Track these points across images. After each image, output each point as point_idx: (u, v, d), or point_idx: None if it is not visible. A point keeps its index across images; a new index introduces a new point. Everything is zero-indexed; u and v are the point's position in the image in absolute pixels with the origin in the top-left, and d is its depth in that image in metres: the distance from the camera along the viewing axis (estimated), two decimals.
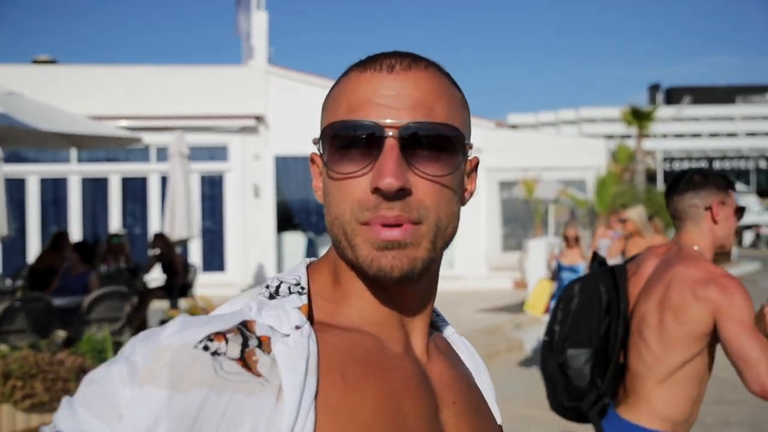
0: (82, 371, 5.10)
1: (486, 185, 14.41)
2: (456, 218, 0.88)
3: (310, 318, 0.82)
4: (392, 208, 0.79)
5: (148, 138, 12.26)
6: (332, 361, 0.79)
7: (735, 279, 2.42)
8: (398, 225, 0.80)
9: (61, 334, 6.35)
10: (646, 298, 2.58)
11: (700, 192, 2.55)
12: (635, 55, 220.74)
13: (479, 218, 14.55)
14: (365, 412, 0.79)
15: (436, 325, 1.05)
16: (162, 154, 13.39)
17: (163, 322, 6.62)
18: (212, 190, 14.14)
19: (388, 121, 0.80)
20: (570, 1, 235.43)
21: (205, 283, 12.58)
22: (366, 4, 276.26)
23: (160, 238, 9.86)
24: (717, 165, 74.06)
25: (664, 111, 59.06)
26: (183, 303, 7.46)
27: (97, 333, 5.89)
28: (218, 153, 14.05)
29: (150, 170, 13.96)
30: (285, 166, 14.27)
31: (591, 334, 2.65)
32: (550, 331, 2.78)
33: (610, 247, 8.44)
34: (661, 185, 33.16)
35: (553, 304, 4.82)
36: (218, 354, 0.72)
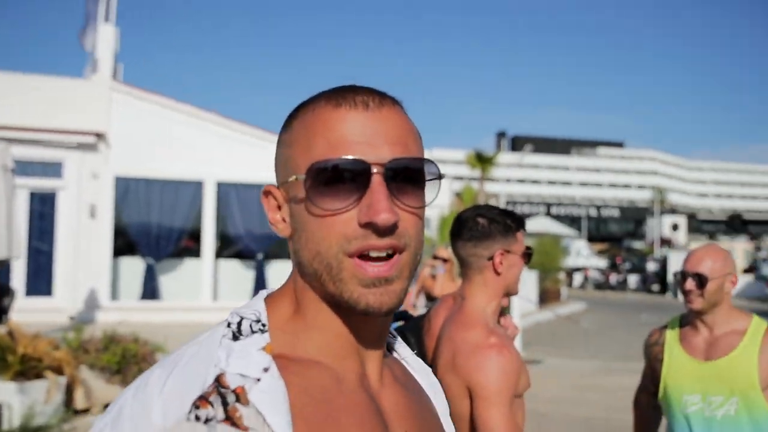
0: None
1: None
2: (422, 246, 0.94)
3: (272, 354, 0.87)
4: (383, 238, 0.85)
5: None
6: (295, 404, 0.83)
7: (504, 346, 2.17)
8: (387, 258, 0.86)
9: None
10: (434, 363, 2.30)
11: (483, 241, 2.33)
12: (486, 102, 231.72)
13: None
14: None
15: (392, 347, 1.11)
16: None
17: None
18: (42, 208, 13.40)
19: (373, 158, 0.85)
20: (426, 50, 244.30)
21: (28, 309, 11.84)
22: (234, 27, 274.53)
23: None
24: (554, 210, 79.15)
25: (508, 157, 62.25)
26: None
27: None
28: (51, 169, 13.37)
29: None
30: (126, 187, 13.80)
31: None
32: None
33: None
34: None
35: None
36: (209, 420, 0.78)
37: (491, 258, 2.30)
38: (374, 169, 0.84)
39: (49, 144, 13.14)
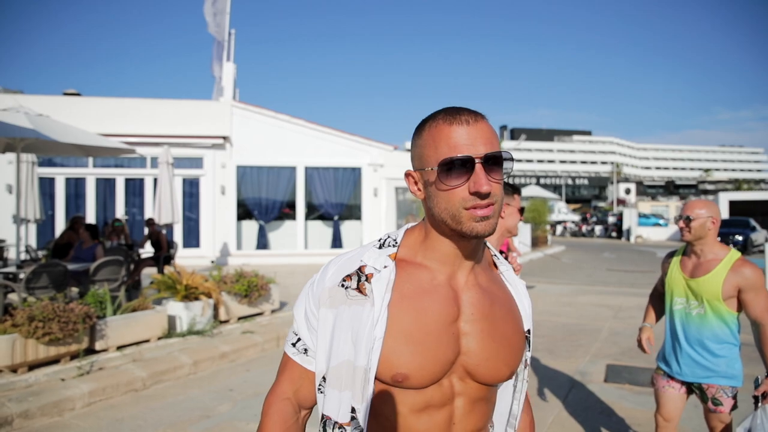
0: (87, 316, 4.97)
1: (386, 189, 14.55)
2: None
3: (396, 259, 1.09)
4: (484, 199, 1.00)
5: (144, 150, 11.90)
6: (398, 286, 1.05)
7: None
8: (489, 206, 1.00)
9: (74, 290, 6.12)
10: None
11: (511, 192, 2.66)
12: (492, 104, 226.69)
13: (381, 212, 14.66)
14: (410, 312, 1.03)
15: (496, 264, 1.22)
16: (154, 162, 13.02)
17: (152, 283, 6.51)
18: (191, 189, 13.77)
19: (474, 153, 0.99)
20: (444, 61, 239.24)
21: (185, 256, 12.32)
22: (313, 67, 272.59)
23: (150, 222, 9.58)
24: (542, 181, 77.10)
25: (509, 144, 60.97)
26: (166, 269, 7.27)
27: (99, 290, 5.72)
28: (196, 162, 13.69)
29: (146, 174, 13.49)
30: (244, 173, 13.97)
31: None
32: None
33: None
34: None
35: None
36: (348, 288, 1.06)
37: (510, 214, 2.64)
38: (477, 160, 0.99)
39: (194, 145, 13.43)
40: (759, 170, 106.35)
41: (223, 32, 14.11)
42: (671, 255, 3.04)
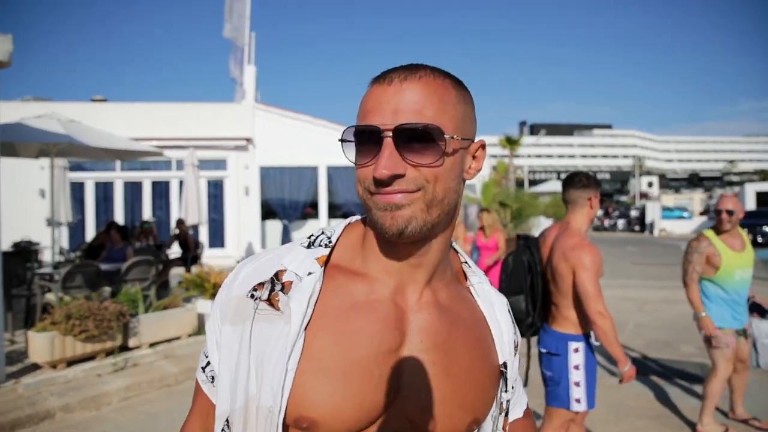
0: (121, 314, 5.10)
1: None
2: (453, 192, 0.78)
3: (327, 263, 0.82)
4: (390, 186, 0.73)
5: (170, 153, 12.08)
6: (325, 299, 0.78)
7: (592, 246, 2.64)
8: (401, 192, 0.74)
9: (107, 289, 6.27)
10: (551, 259, 2.74)
11: (586, 189, 2.75)
12: (511, 99, 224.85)
13: None
14: (330, 334, 0.77)
15: (466, 274, 0.93)
16: (180, 164, 13.18)
17: (180, 282, 6.63)
18: (215, 191, 13.95)
19: (382, 124, 0.73)
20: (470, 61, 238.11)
21: (210, 256, 12.48)
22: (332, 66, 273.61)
23: (180, 222, 9.75)
24: (562, 176, 76.09)
25: (528, 139, 60.42)
26: (194, 269, 7.41)
27: (131, 288, 5.86)
28: (220, 164, 13.86)
29: (172, 176, 13.71)
30: (267, 174, 14.09)
31: (522, 286, 2.78)
32: (499, 287, 2.85)
33: None
34: (528, 189, 34.00)
35: None
36: (257, 299, 0.79)
37: (589, 199, 2.73)
38: (385, 133, 0.73)
39: (218, 147, 13.56)
40: None
41: (243, 36, 14.25)
42: (700, 240, 3.69)
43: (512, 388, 0.91)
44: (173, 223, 12.85)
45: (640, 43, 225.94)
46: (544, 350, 2.77)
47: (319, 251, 0.82)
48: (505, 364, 0.89)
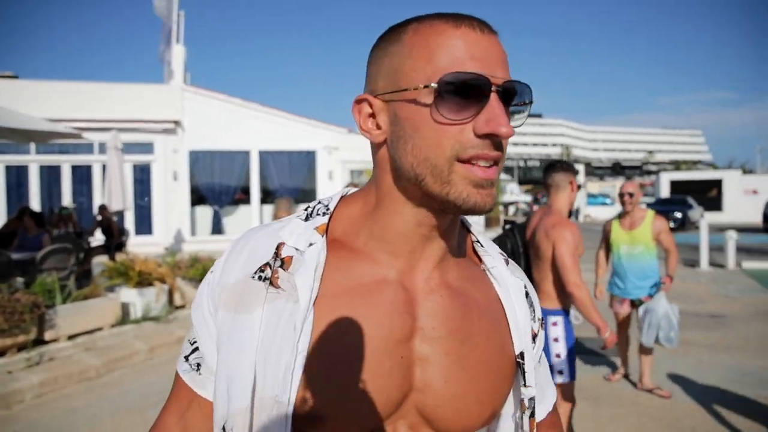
0: (35, 306, 4.80)
1: (341, 172, 14.49)
2: None
3: (327, 234, 0.73)
4: (496, 150, 0.65)
5: (91, 136, 11.44)
6: (328, 278, 0.69)
7: (572, 224, 2.86)
8: (493, 165, 0.66)
9: (19, 279, 5.89)
10: (533, 239, 2.94)
11: (567, 172, 2.94)
12: None
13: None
14: (338, 320, 0.68)
15: (479, 255, 0.82)
16: (102, 148, 12.52)
17: (103, 272, 6.33)
18: (142, 176, 13.38)
19: (492, 77, 0.64)
20: None
21: (137, 243, 11.93)
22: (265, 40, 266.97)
23: (103, 208, 9.29)
24: None
25: None
26: (118, 257, 7.09)
27: (47, 278, 5.53)
28: (146, 148, 13.28)
29: (94, 160, 13.03)
30: (197, 158, 13.67)
31: None
32: None
33: None
34: None
35: None
36: (266, 279, 0.68)
37: (570, 182, 2.93)
38: (493, 87, 0.64)
39: (144, 130, 12.99)
40: (697, 152, 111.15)
41: (171, 14, 13.65)
42: (608, 221, 4.49)
43: (534, 383, 0.79)
44: (96, 209, 12.23)
45: (567, 35, 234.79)
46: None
47: (318, 220, 0.73)
48: (522, 355, 0.77)
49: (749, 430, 3.67)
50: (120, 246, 9.10)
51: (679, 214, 21.51)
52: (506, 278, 0.81)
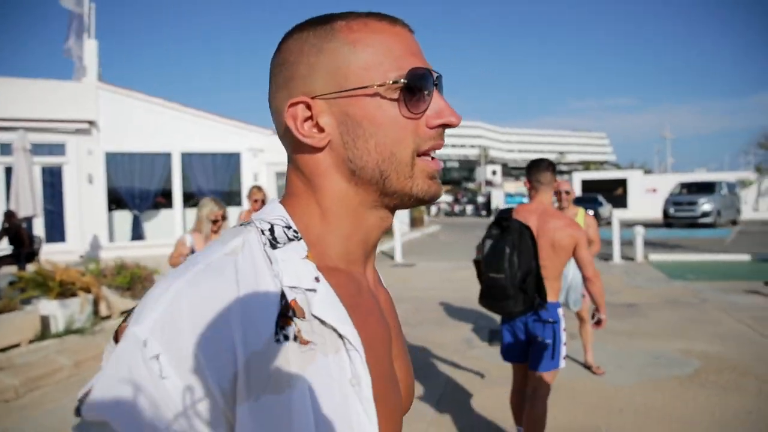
0: None
1: (266, 174, 14.22)
2: None
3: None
4: (443, 140, 0.67)
5: None
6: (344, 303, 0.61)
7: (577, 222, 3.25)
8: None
9: None
10: (546, 236, 2.96)
11: (554, 172, 3.04)
12: None
13: None
14: (370, 345, 0.61)
15: None
16: (6, 149, 11.53)
17: (11, 283, 5.87)
18: (52, 179, 12.46)
19: (432, 70, 0.66)
20: None
21: (49, 252, 11.09)
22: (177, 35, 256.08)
23: (10, 215, 8.58)
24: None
25: None
26: (30, 267, 6.61)
27: None
28: (56, 149, 12.39)
29: None
30: (113, 160, 12.94)
31: (530, 266, 2.86)
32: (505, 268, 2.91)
33: None
34: None
35: None
36: (295, 338, 0.55)
37: (555, 180, 3.07)
38: (437, 79, 0.66)
39: (55, 130, 12.12)
40: (603, 153, 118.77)
41: (81, 5, 12.84)
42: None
43: None
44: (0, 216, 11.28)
45: (482, 39, 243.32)
46: (550, 319, 2.99)
47: (297, 247, 0.61)
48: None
49: (670, 408, 4.01)
50: (31, 255, 8.47)
51: (591, 212, 22.78)
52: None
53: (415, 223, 22.98)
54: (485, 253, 2.97)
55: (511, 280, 2.81)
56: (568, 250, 2.97)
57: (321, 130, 0.64)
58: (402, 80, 0.62)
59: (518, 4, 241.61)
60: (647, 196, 29.87)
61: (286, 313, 0.55)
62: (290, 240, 0.61)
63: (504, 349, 3.18)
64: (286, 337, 0.54)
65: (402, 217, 19.46)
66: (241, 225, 0.64)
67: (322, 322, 0.57)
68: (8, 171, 11.04)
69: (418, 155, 0.65)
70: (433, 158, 0.67)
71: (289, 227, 0.63)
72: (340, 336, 0.57)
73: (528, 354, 3.06)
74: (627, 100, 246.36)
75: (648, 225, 18.28)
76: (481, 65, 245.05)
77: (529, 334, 3.03)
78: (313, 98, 0.63)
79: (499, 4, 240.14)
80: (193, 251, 4.21)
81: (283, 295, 0.56)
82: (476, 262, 3.14)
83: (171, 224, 13.57)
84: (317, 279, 0.59)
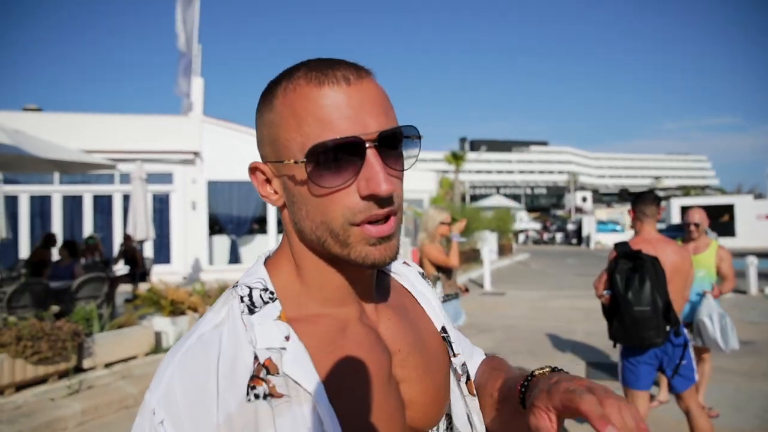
0: (75, 334, 4.87)
1: None
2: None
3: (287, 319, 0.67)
4: (384, 206, 0.64)
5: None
6: (313, 359, 0.64)
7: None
8: (386, 219, 0.65)
9: (54, 308, 5.96)
10: (671, 272, 3.04)
11: (657, 203, 3.14)
12: (450, 116, 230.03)
13: None
14: (347, 392, 0.65)
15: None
16: (123, 178, 12.69)
17: (128, 300, 6.39)
18: (161, 205, 13.54)
19: (364, 133, 0.62)
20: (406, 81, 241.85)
21: (156, 273, 12.03)
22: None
23: (127, 238, 9.40)
24: (501, 191, 78.53)
25: (470, 155, 62.04)
26: (141, 286, 7.16)
27: (86, 306, 5.61)
28: (165, 178, 13.48)
29: (114, 190, 13.21)
30: (214, 188, 13.83)
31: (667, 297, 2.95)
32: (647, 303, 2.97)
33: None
34: (469, 203, 34.69)
35: None
36: (266, 397, 0.61)
37: (659, 212, 3.15)
38: (367, 144, 0.62)
39: (164, 161, 13.21)
40: (704, 177, 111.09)
41: (191, 47, 13.99)
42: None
43: (460, 351, 0.83)
44: (116, 239, 12.34)
45: (572, 64, 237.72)
46: (683, 342, 3.09)
47: (271, 309, 0.66)
48: (444, 329, 0.83)
49: None
50: (143, 275, 9.19)
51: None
52: (400, 268, 0.87)
53: (503, 250, 22.57)
54: (623, 288, 2.95)
55: (654, 312, 2.89)
56: (686, 275, 3.08)
57: (276, 192, 0.69)
58: (301, 161, 0.63)
59: (602, 26, 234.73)
60: (759, 224, 27.48)
61: (258, 374, 0.61)
62: (265, 303, 0.67)
63: (631, 380, 3.20)
64: (257, 396, 0.60)
65: (491, 244, 19.18)
66: (232, 287, 0.71)
67: (289, 378, 0.62)
68: (125, 198, 12.16)
69: (355, 224, 0.64)
70: (381, 222, 0.65)
71: (266, 289, 0.69)
72: (305, 390, 0.62)
73: (652, 380, 3.16)
74: (729, 119, 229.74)
75: (762, 255, 16.80)
76: (567, 87, 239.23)
77: (663, 360, 3.11)
78: (265, 164, 0.69)
79: (583, 23, 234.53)
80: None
81: (255, 358, 0.62)
82: (604, 297, 3.12)
83: (266, 248, 14.11)
84: (287, 338, 0.64)
